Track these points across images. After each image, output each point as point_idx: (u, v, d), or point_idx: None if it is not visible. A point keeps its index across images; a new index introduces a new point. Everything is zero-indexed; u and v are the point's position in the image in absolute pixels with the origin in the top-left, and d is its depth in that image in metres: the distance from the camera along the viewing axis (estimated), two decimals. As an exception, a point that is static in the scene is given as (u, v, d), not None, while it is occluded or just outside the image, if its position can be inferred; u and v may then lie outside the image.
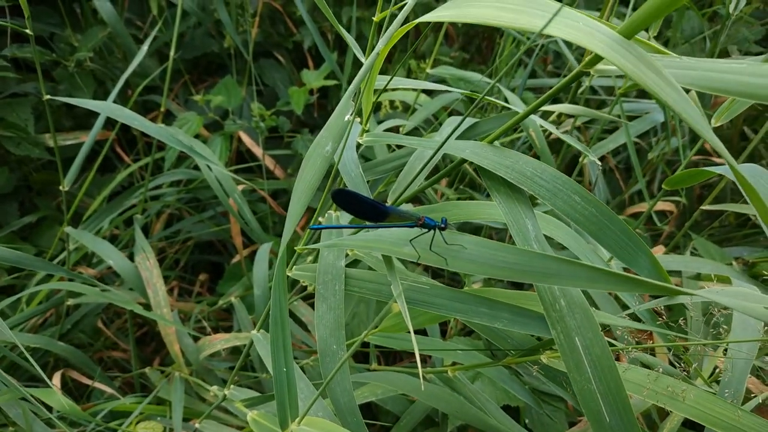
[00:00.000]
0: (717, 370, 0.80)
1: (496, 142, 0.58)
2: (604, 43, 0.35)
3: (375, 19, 0.60)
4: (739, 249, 1.41)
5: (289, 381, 0.48)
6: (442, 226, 0.46)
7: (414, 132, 1.29)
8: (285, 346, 0.48)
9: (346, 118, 0.42)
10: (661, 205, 1.50)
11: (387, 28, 0.55)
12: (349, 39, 0.64)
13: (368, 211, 0.48)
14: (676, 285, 0.44)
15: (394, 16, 0.60)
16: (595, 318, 0.44)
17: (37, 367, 0.69)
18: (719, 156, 1.64)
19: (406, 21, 0.48)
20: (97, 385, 1.28)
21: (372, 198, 0.49)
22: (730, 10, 1.16)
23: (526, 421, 1.02)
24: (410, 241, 0.46)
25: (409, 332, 0.72)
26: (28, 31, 0.97)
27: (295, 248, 0.60)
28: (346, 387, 0.53)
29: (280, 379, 0.48)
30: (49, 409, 1.19)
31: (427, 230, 0.47)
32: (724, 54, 1.75)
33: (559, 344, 0.44)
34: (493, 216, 0.57)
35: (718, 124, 0.82)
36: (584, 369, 0.43)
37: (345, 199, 0.48)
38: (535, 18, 0.36)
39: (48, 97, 1.05)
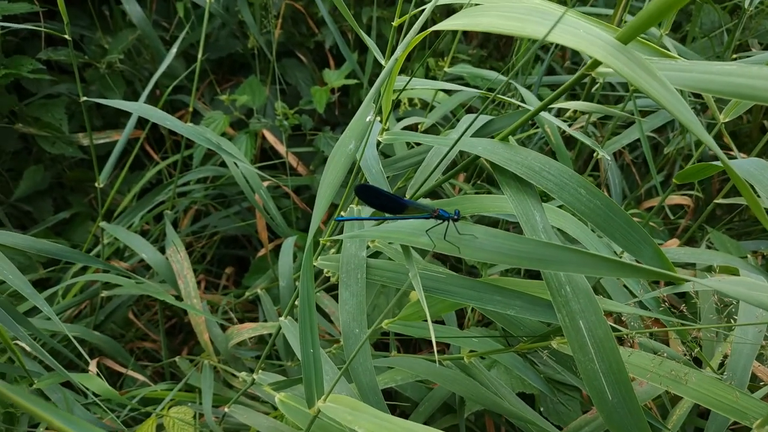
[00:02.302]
0: (726, 360, 0.82)
1: (512, 139, 0.62)
2: (603, 49, 0.38)
3: (394, 24, 0.64)
4: (756, 243, 1.42)
5: (315, 361, 0.53)
6: (455, 217, 0.50)
7: (432, 129, 1.32)
8: (312, 329, 0.52)
9: (367, 119, 0.46)
10: (678, 200, 1.52)
11: (406, 31, 0.59)
12: (370, 42, 0.68)
13: (388, 204, 0.52)
14: (690, 276, 0.47)
15: (413, 18, 0.64)
16: (598, 303, 0.48)
17: (83, 352, 0.74)
18: (738, 150, 1.64)
19: (423, 27, 0.52)
20: (130, 373, 1.34)
21: (392, 192, 0.53)
22: (746, 5, 1.17)
23: (541, 409, 1.05)
24: (426, 231, 0.50)
25: (426, 320, 0.76)
26: (66, 36, 1.02)
27: (320, 240, 0.64)
28: (368, 367, 0.57)
29: (307, 359, 0.52)
30: (85, 395, 1.26)
31: (441, 221, 0.51)
32: (745, 47, 1.75)
33: (564, 327, 0.47)
34: (504, 209, 0.60)
35: (727, 119, 0.84)
36: (588, 350, 0.47)
37: (367, 193, 0.52)
38: (539, 26, 0.39)
39: (85, 99, 1.10)
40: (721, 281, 0.54)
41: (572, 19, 0.41)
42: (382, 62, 0.69)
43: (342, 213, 0.74)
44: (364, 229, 0.60)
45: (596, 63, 0.43)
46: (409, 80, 0.65)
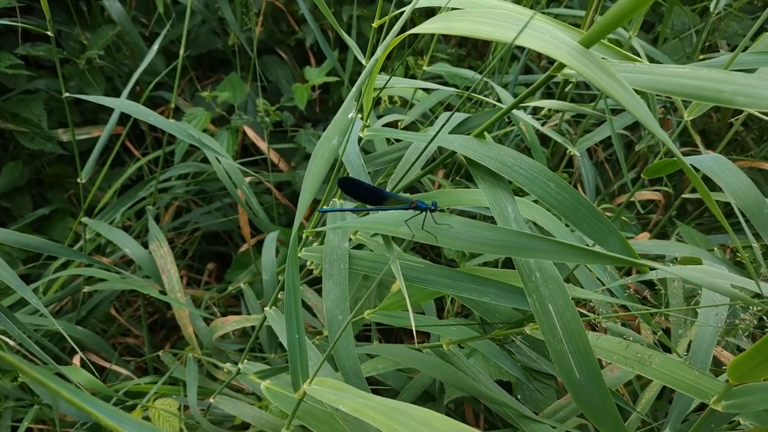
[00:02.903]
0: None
1: (488, 136, 0.65)
2: (566, 52, 0.41)
3: (374, 25, 0.67)
4: (724, 237, 1.47)
5: (300, 346, 0.55)
6: (432, 208, 0.53)
7: (412, 126, 1.35)
8: (297, 315, 0.54)
9: (349, 116, 0.49)
10: (649, 195, 1.57)
11: (386, 32, 0.62)
12: (351, 42, 0.71)
13: (369, 196, 0.55)
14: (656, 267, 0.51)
15: (393, 19, 0.67)
16: (566, 288, 0.51)
17: (74, 345, 0.75)
18: (707, 147, 1.70)
19: (403, 29, 0.54)
20: (114, 367, 1.35)
21: (373, 185, 0.56)
22: (711, 8, 1.22)
23: (518, 396, 1.09)
24: (405, 221, 0.53)
25: (406, 310, 0.79)
26: (49, 32, 1.03)
27: (304, 231, 0.67)
28: (351, 351, 0.60)
29: (293, 344, 0.55)
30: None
31: (419, 212, 0.54)
32: (715, 49, 1.81)
33: (535, 310, 0.51)
34: (479, 202, 0.64)
35: (692, 117, 0.88)
36: (557, 332, 0.50)
37: (349, 186, 0.55)
38: (508, 30, 0.43)
39: (67, 94, 1.11)
40: (682, 268, 0.58)
41: (540, 24, 0.44)
42: (363, 61, 0.72)
43: (325, 207, 0.77)
44: (347, 221, 0.62)
45: (562, 65, 0.46)
46: (389, 79, 0.67)
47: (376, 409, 0.45)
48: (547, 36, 0.41)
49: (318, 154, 0.51)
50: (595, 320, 0.63)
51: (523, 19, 0.44)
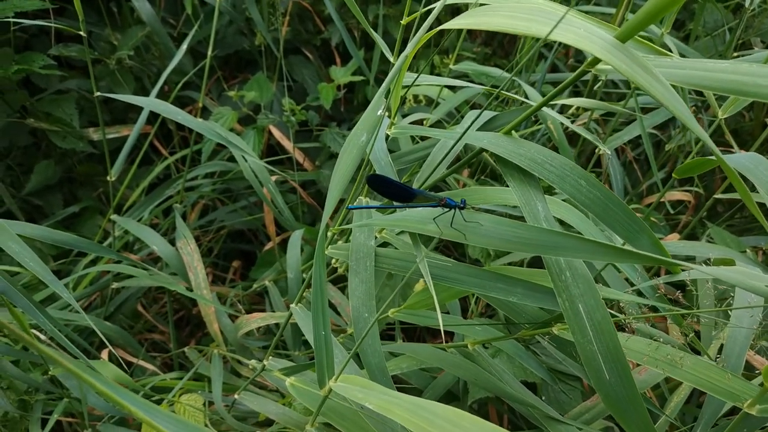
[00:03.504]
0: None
1: (515, 134, 0.64)
2: (602, 47, 0.41)
3: (402, 22, 0.67)
4: (756, 239, 1.44)
5: (327, 343, 0.55)
6: (462, 205, 0.53)
7: (437, 125, 1.35)
8: (324, 311, 0.55)
9: (378, 113, 0.49)
10: (679, 195, 1.54)
11: (415, 29, 0.62)
12: (378, 39, 0.71)
13: (398, 193, 0.55)
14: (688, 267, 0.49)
15: (422, 16, 0.67)
16: (597, 288, 0.50)
17: (104, 339, 0.77)
18: (740, 147, 1.66)
19: (431, 26, 0.54)
20: (141, 363, 1.37)
21: (401, 182, 0.56)
22: (747, 5, 1.19)
23: (543, 397, 1.07)
24: (434, 219, 0.53)
25: (432, 309, 0.79)
26: (81, 33, 1.05)
27: (331, 229, 0.67)
28: (377, 348, 0.60)
29: (319, 341, 0.55)
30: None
31: (448, 209, 0.53)
32: (748, 46, 1.77)
33: (564, 310, 0.50)
34: (507, 200, 0.63)
35: (726, 116, 0.86)
36: (586, 332, 0.49)
37: (378, 183, 0.55)
38: (543, 25, 0.42)
39: (98, 94, 1.13)
40: (717, 269, 0.56)
41: (574, 19, 0.43)
42: (391, 59, 0.72)
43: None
44: (374, 218, 0.62)
45: (596, 60, 0.45)
46: (418, 76, 0.67)
47: (403, 407, 0.45)
48: (582, 31, 0.41)
49: (346, 151, 0.51)
50: (624, 321, 0.62)
51: (557, 14, 0.43)
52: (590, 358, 0.49)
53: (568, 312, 0.50)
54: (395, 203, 0.59)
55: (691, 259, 1.22)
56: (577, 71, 0.47)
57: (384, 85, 0.50)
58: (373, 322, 0.50)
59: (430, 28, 0.50)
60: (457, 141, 0.54)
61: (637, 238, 0.55)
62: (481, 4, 0.47)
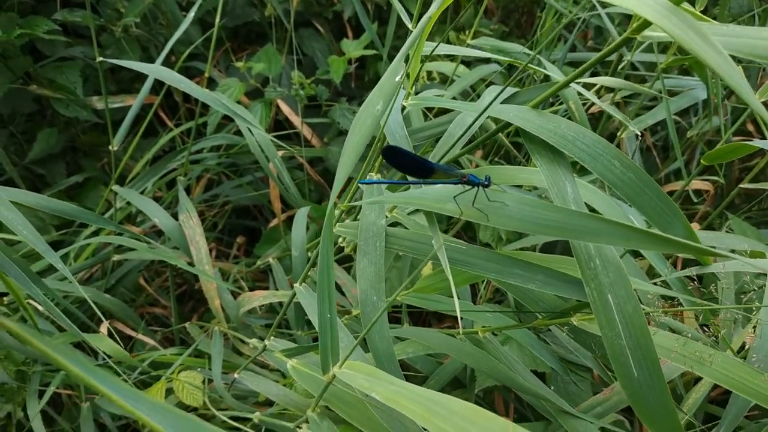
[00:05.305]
0: (747, 347, 0.81)
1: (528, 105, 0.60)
2: (654, 10, 0.36)
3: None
4: (774, 231, 1.39)
5: (332, 327, 0.52)
6: (486, 183, 0.48)
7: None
8: (330, 294, 0.51)
9: (396, 79, 0.44)
10: (698, 185, 1.49)
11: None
12: (397, 4, 0.66)
13: (416, 167, 0.51)
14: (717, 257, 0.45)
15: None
16: (629, 277, 0.46)
17: (99, 313, 0.74)
18: (763, 136, 1.60)
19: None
20: (140, 337, 1.35)
21: (419, 155, 0.51)
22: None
23: (551, 387, 1.04)
24: (454, 197, 0.49)
25: (441, 293, 0.75)
26: (84, -4, 1.00)
27: (339, 205, 0.63)
28: (385, 334, 0.57)
29: (324, 324, 0.52)
30: (96, 356, 1.27)
31: (471, 187, 0.49)
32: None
33: (592, 301, 0.46)
34: (530, 180, 0.59)
35: (763, 100, 0.81)
36: (615, 325, 0.45)
37: (394, 156, 0.51)
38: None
39: (100, 59, 1.09)
40: (755, 260, 0.52)
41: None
42: (409, 25, 0.67)
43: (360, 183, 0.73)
44: (388, 195, 0.58)
45: (643, 25, 0.40)
46: (437, 44, 0.62)
47: (413, 399, 0.41)
48: (630, -11, 0.36)
49: (360, 120, 0.46)
50: (652, 314, 0.58)
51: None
52: (618, 353, 0.45)
53: (596, 303, 0.46)
54: (410, 179, 0.54)
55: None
56: (622, 37, 0.42)
57: (404, 48, 0.45)
58: (385, 308, 0.46)
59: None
60: (481, 113, 0.50)
61: (670, 224, 0.51)
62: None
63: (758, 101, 0.37)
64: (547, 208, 0.44)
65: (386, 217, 0.67)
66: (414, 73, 0.62)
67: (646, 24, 0.40)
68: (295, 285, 0.74)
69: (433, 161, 0.65)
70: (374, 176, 0.70)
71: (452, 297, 1.03)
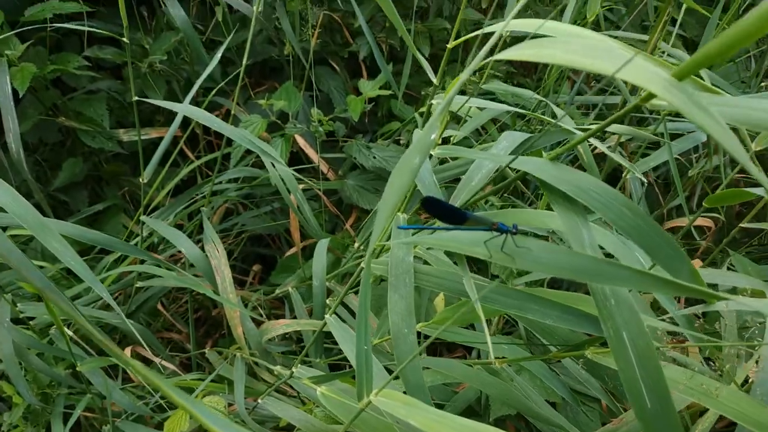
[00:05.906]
0: (750, 381, 0.85)
1: (545, 156, 0.66)
2: (661, 85, 0.42)
3: (449, 46, 0.68)
4: (773, 268, 1.44)
5: (367, 357, 0.57)
6: (514, 231, 0.54)
7: (464, 141, 1.36)
8: (366, 327, 0.56)
9: (432, 137, 0.50)
10: (698, 221, 1.54)
11: (476, 53, 0.63)
12: (423, 62, 0.72)
13: (450, 216, 0.56)
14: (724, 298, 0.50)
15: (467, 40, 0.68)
16: (641, 316, 0.51)
17: (138, 335, 0.78)
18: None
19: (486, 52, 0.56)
20: (161, 362, 1.39)
21: (454, 205, 0.57)
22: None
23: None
24: (485, 242, 0.54)
25: (458, 325, 0.80)
26: (125, 39, 1.08)
27: (379, 243, 0.68)
28: (416, 366, 0.61)
29: (360, 356, 0.57)
30: (117, 379, 1.31)
31: (499, 234, 0.55)
32: (771, 75, 1.77)
33: (609, 338, 0.51)
34: (545, 224, 0.64)
35: (759, 148, 0.87)
36: (629, 359, 0.50)
37: (432, 205, 0.57)
38: (606, 63, 0.43)
39: (136, 98, 1.16)
40: (757, 301, 0.57)
41: (626, 54, 0.45)
42: (434, 80, 0.74)
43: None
44: (424, 236, 0.64)
45: (650, 96, 0.46)
46: (467, 100, 0.69)
47: (451, 427, 0.46)
48: (640, 68, 0.42)
49: (399, 172, 0.52)
50: (660, 349, 0.63)
51: (609, 47, 0.45)
52: (632, 385, 0.50)
53: (613, 339, 0.51)
54: (441, 224, 0.60)
55: (713, 287, 1.22)
56: (631, 105, 0.48)
57: (439, 109, 0.51)
58: (424, 345, 0.51)
59: (487, 56, 0.52)
60: (506, 165, 0.55)
61: (677, 268, 0.56)
62: (541, 36, 0.49)
63: (751, 163, 0.43)
64: (567, 253, 0.50)
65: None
66: (442, 127, 0.68)
67: (653, 95, 0.46)
68: (326, 317, 0.79)
69: (451, 202, 0.71)
70: (400, 216, 0.76)
71: (467, 329, 1.08)
